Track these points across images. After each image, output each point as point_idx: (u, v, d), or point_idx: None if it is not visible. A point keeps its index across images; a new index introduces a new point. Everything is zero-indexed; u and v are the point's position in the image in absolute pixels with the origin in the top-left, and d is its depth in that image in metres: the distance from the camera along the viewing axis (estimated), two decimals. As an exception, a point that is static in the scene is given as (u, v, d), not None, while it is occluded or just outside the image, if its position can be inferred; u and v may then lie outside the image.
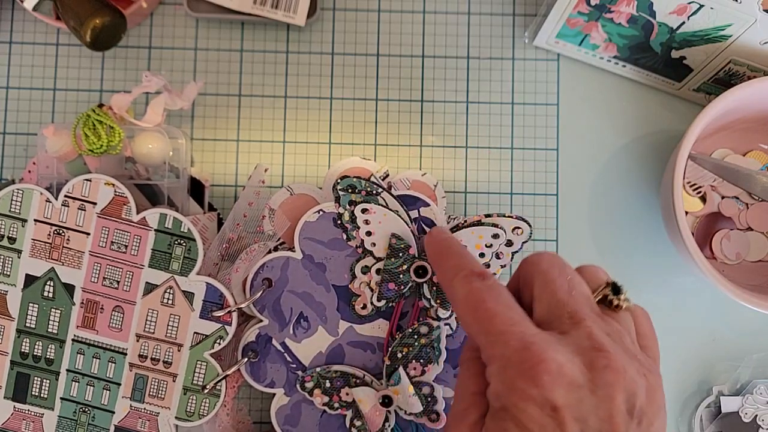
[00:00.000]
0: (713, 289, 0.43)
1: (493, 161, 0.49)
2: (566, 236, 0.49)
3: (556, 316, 0.30)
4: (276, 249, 0.45)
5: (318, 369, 0.44)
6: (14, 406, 0.44)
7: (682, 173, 0.42)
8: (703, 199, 0.48)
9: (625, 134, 0.49)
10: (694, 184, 0.48)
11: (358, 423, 0.44)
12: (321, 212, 0.44)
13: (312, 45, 0.49)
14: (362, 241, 0.43)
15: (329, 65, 0.49)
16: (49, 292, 0.43)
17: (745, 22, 0.41)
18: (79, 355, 0.43)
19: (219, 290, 0.42)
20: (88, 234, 0.43)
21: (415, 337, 0.43)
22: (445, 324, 0.44)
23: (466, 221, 0.43)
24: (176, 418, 0.43)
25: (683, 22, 0.42)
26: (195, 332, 0.43)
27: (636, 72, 0.48)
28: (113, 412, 0.44)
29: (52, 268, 0.43)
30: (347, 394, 0.44)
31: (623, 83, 0.50)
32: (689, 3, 0.41)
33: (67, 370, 0.44)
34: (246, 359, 0.44)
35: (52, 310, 0.43)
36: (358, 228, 0.43)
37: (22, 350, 0.43)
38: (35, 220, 0.43)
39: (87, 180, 0.43)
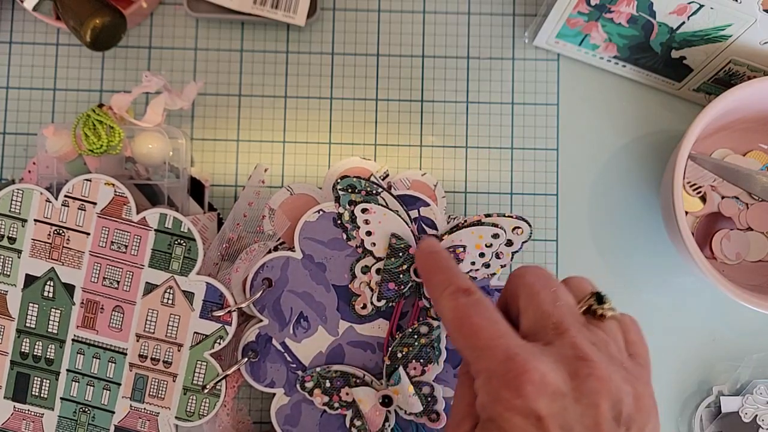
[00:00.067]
0: (713, 289, 0.43)
1: (493, 161, 0.49)
2: (566, 236, 0.49)
3: (541, 328, 0.30)
4: (276, 249, 0.45)
5: (318, 369, 0.44)
6: (14, 406, 0.44)
7: (682, 173, 0.42)
8: (703, 199, 0.48)
9: (625, 134, 0.49)
10: (694, 184, 0.48)
11: (358, 423, 0.44)
12: (321, 212, 0.44)
13: (312, 45, 0.49)
14: (362, 241, 0.44)
15: (329, 65, 0.49)
16: (49, 292, 0.43)
17: (745, 22, 0.41)
18: (79, 355, 0.43)
19: (219, 290, 0.42)
20: (88, 234, 0.43)
21: (415, 336, 0.43)
22: (445, 324, 0.44)
23: (466, 221, 0.43)
24: (176, 418, 0.43)
25: (683, 22, 0.42)
26: (195, 332, 0.43)
27: (636, 72, 0.48)
28: (113, 412, 0.44)
29: (52, 268, 0.43)
30: (347, 393, 0.44)
31: (623, 83, 0.50)
32: (689, 3, 0.41)
33: (67, 370, 0.44)
34: (246, 359, 0.44)
35: (52, 310, 0.43)
36: (358, 228, 0.43)
37: (22, 350, 0.44)
38: (35, 220, 0.43)
39: (87, 180, 0.43)
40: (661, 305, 0.49)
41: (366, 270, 0.44)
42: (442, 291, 0.33)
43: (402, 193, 0.44)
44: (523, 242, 0.44)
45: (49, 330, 0.43)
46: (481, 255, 0.44)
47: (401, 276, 0.43)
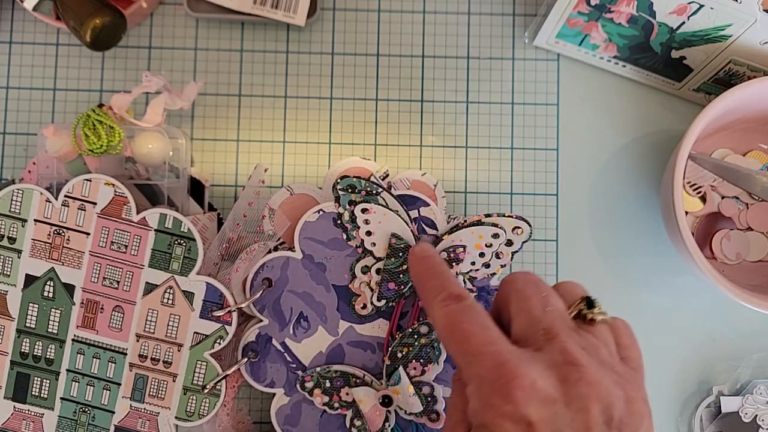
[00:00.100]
0: (713, 289, 0.43)
1: (493, 161, 0.49)
2: (566, 236, 0.49)
3: (531, 333, 0.30)
4: (276, 249, 0.45)
5: (318, 369, 0.44)
6: (14, 406, 0.44)
7: (682, 173, 0.42)
8: (703, 199, 0.48)
9: (625, 134, 0.49)
10: (694, 184, 0.48)
11: (358, 423, 0.44)
12: (321, 212, 0.44)
13: (312, 45, 0.49)
14: (362, 240, 0.44)
15: (329, 65, 0.49)
16: (49, 292, 0.43)
17: (745, 22, 0.41)
18: (79, 355, 0.43)
19: (219, 290, 0.42)
20: (88, 234, 0.43)
21: (415, 336, 0.43)
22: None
23: (466, 221, 0.43)
24: (176, 418, 0.43)
25: (683, 22, 0.42)
26: (195, 332, 0.43)
27: (636, 72, 0.48)
28: (113, 412, 0.44)
29: (52, 268, 0.43)
30: (347, 393, 0.44)
31: (623, 83, 0.50)
32: (689, 3, 0.41)
33: (67, 370, 0.44)
34: (246, 359, 0.44)
35: (52, 310, 0.43)
36: (358, 228, 0.43)
37: (22, 350, 0.44)
38: (35, 220, 0.43)
39: (87, 180, 0.43)
40: (661, 305, 0.49)
41: (366, 270, 0.44)
42: (434, 297, 0.33)
43: (402, 193, 0.44)
44: (523, 242, 0.44)
45: (49, 330, 0.43)
46: (481, 255, 0.44)
47: (401, 276, 0.43)
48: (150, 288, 0.43)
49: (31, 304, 0.43)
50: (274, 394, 0.45)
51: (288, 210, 0.45)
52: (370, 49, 0.49)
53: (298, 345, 0.44)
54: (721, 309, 0.49)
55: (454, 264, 0.43)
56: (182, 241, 0.42)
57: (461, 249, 0.43)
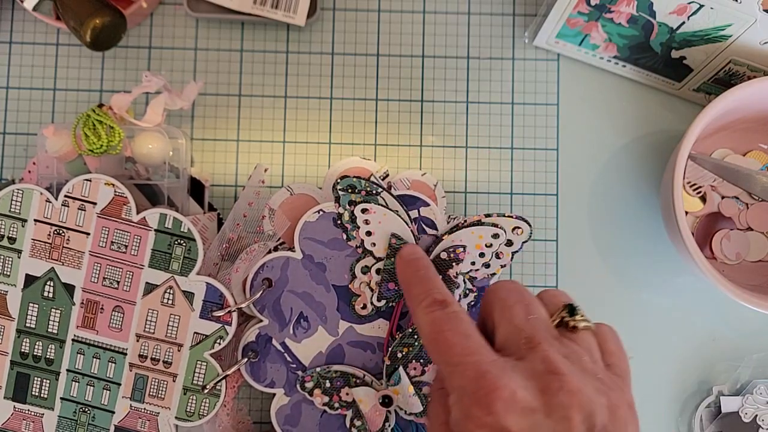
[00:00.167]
0: (713, 289, 0.43)
1: (493, 161, 0.49)
2: (566, 236, 0.49)
3: (513, 342, 0.30)
4: (276, 249, 0.45)
5: (318, 369, 0.44)
6: (14, 406, 0.44)
7: (682, 173, 0.42)
8: (703, 199, 0.48)
9: (625, 134, 0.49)
10: (694, 184, 0.48)
11: (358, 423, 0.44)
12: (321, 212, 0.44)
13: (312, 45, 0.49)
14: (362, 241, 0.44)
15: (329, 65, 0.49)
16: (49, 292, 0.43)
17: (745, 22, 0.41)
18: (79, 355, 0.43)
19: (219, 290, 0.42)
20: (88, 234, 0.43)
21: (415, 337, 0.43)
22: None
23: (466, 221, 0.43)
24: (176, 418, 0.43)
25: (683, 22, 0.42)
26: (195, 332, 0.43)
27: (636, 72, 0.48)
28: (113, 412, 0.44)
29: (52, 268, 0.43)
30: (347, 394, 0.44)
31: (623, 83, 0.50)
32: (689, 3, 0.41)
33: (67, 370, 0.44)
34: (246, 359, 0.44)
35: (52, 310, 0.43)
36: (358, 228, 0.43)
37: (22, 350, 0.44)
38: (35, 220, 0.43)
39: (87, 180, 0.43)
40: (661, 305, 0.49)
41: (366, 270, 0.44)
42: (419, 303, 0.33)
43: (402, 193, 0.44)
44: (523, 242, 0.44)
45: (49, 330, 0.43)
46: (481, 255, 0.44)
47: (401, 276, 0.43)
48: (150, 288, 0.43)
49: (31, 304, 0.43)
50: (274, 394, 0.45)
51: (288, 210, 0.45)
52: (370, 49, 0.49)
53: (298, 345, 0.44)
54: (721, 309, 0.49)
55: (454, 264, 0.43)
56: (182, 241, 0.42)
57: (461, 249, 0.43)
